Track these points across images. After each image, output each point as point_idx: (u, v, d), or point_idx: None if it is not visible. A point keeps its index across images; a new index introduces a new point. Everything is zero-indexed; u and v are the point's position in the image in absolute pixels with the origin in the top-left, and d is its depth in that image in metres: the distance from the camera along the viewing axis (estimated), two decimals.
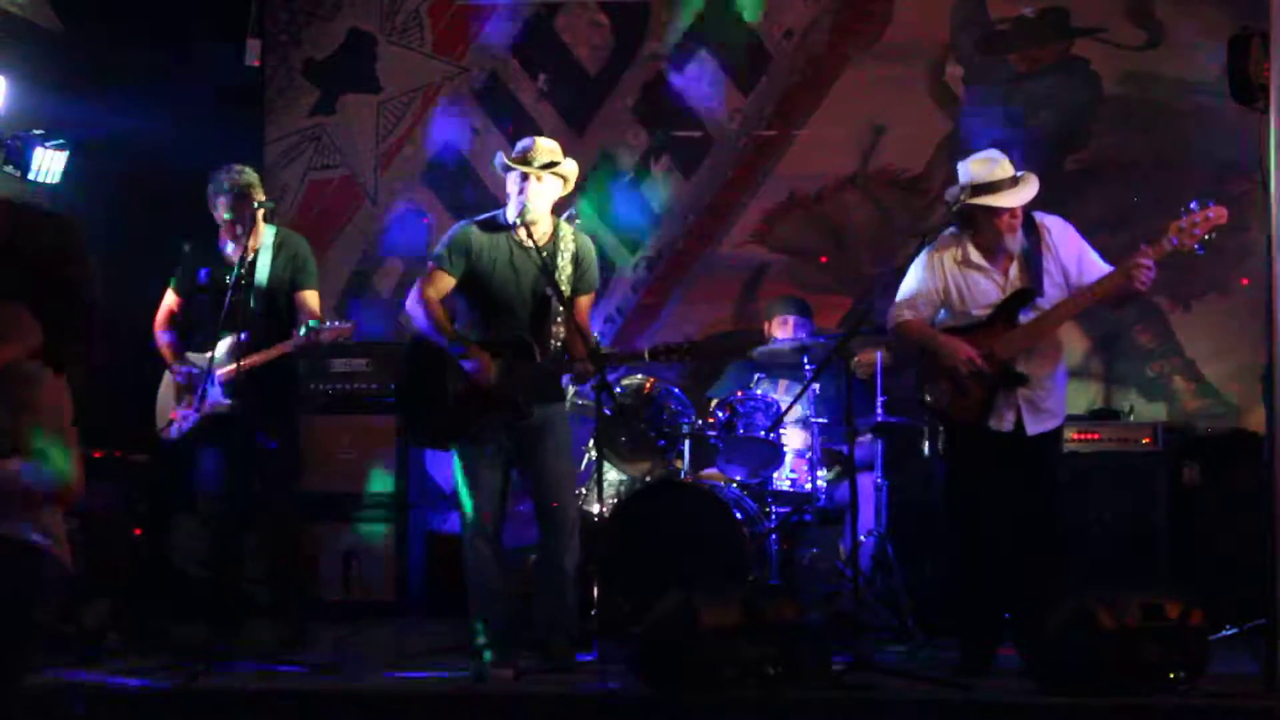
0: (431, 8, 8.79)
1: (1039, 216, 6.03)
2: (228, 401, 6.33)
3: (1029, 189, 5.94)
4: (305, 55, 8.83)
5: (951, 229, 6.05)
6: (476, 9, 8.77)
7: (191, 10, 7.99)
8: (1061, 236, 6.03)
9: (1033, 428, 5.94)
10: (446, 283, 6.12)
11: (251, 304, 6.40)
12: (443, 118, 8.73)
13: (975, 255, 6.00)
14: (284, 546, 6.66)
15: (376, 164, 8.80)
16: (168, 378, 6.58)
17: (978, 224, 5.94)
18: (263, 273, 6.48)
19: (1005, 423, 5.94)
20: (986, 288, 5.99)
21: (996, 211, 5.89)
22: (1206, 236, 5.78)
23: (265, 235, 6.57)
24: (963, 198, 5.91)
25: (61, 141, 6.71)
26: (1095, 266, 5.99)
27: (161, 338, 6.59)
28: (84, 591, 6.39)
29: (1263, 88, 5.55)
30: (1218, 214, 5.77)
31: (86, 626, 6.39)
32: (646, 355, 6.03)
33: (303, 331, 6.38)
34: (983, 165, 5.93)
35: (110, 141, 7.21)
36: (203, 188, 6.57)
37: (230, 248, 6.56)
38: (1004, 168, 5.93)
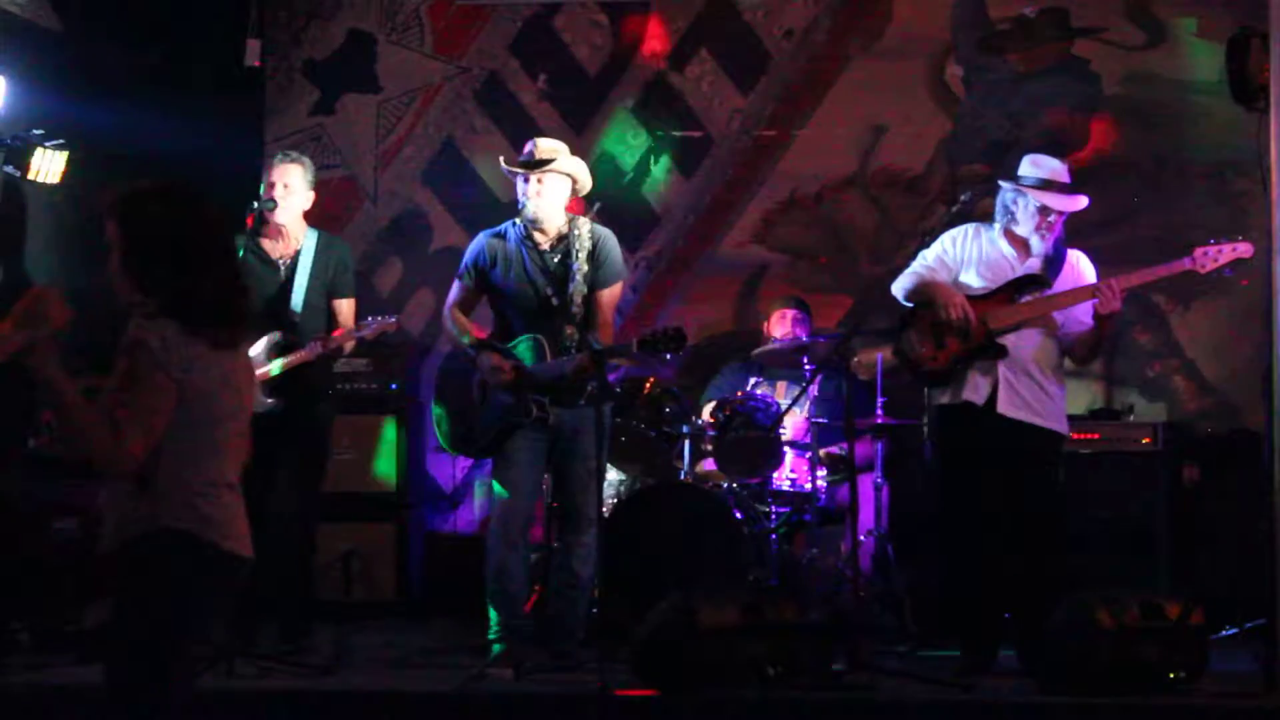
0: (431, 8, 8.79)
1: (1068, 250, 6.11)
2: (270, 401, 6.31)
3: (1079, 202, 6.04)
4: (305, 55, 8.82)
5: (986, 225, 6.13)
6: (476, 9, 8.76)
7: (191, 10, 7.98)
8: (1087, 268, 6.12)
9: (1005, 407, 5.94)
10: (469, 296, 6.25)
11: (291, 307, 6.42)
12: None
13: (1003, 240, 6.08)
14: (301, 547, 6.64)
15: (376, 164, 8.80)
16: None
17: (1017, 216, 6.02)
18: (302, 277, 6.47)
19: (979, 394, 5.97)
20: (1003, 267, 6.06)
21: (1042, 209, 5.96)
22: (1226, 268, 5.81)
23: (307, 238, 6.54)
24: (1016, 184, 6.00)
25: (61, 141, 6.70)
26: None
27: None
28: (84, 591, 6.40)
29: (1263, 88, 5.56)
30: (1244, 249, 5.81)
31: (87, 626, 6.39)
32: (635, 347, 6.00)
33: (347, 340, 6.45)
34: (1048, 163, 6.04)
35: (110, 141, 7.21)
36: (202, 187, 6.53)
37: (270, 245, 6.53)
38: (1065, 174, 6.04)
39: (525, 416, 6.01)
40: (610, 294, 6.20)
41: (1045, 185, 5.98)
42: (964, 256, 6.10)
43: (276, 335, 6.35)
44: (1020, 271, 6.04)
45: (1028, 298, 6.01)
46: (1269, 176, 5.59)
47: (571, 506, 6.14)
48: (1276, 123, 5.55)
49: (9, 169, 6.66)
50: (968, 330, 5.95)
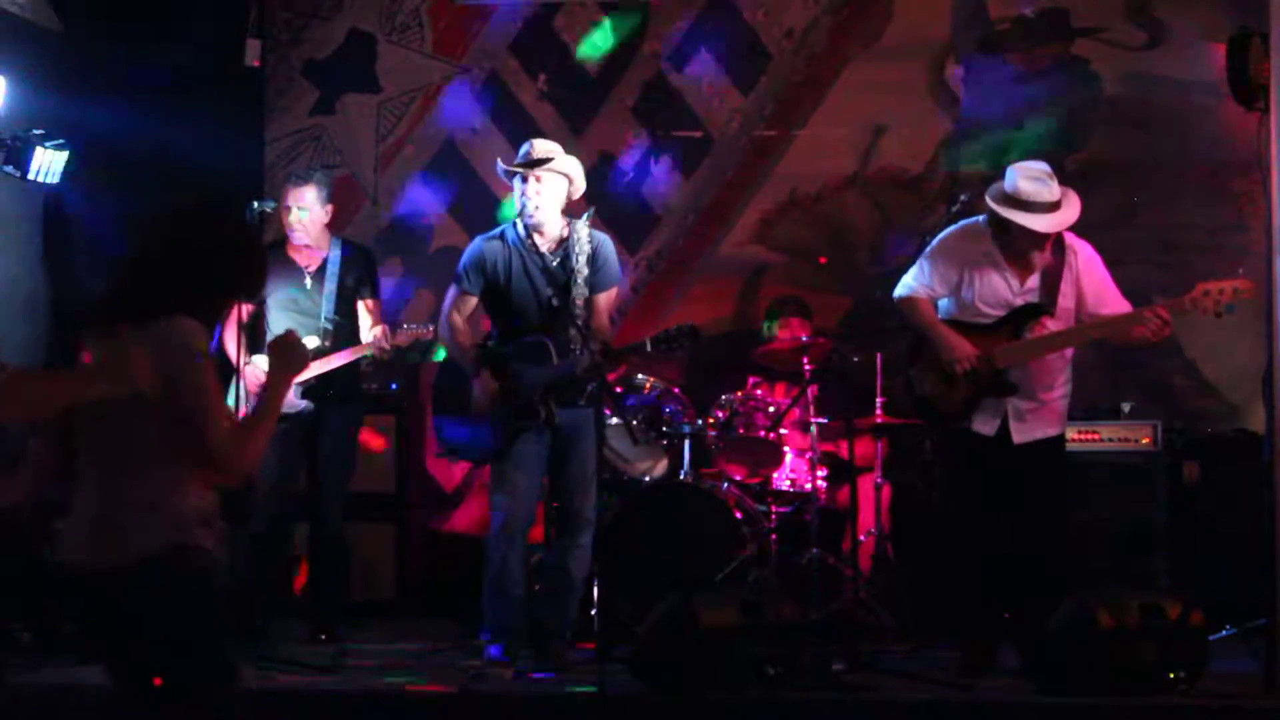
0: (431, 8, 8.79)
1: (1070, 238, 5.99)
2: (302, 404, 6.59)
3: (1066, 215, 5.88)
4: (305, 55, 8.82)
5: (983, 219, 6.02)
6: (476, 9, 8.76)
7: (191, 10, 7.98)
8: (1088, 264, 6.00)
9: (1019, 436, 5.93)
10: (469, 302, 6.26)
11: (322, 312, 6.69)
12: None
13: (998, 254, 5.96)
14: (332, 545, 6.87)
15: (376, 164, 8.80)
16: (238, 380, 6.57)
17: (1008, 230, 5.89)
18: (331, 283, 6.74)
19: (989, 427, 5.93)
20: (1000, 287, 5.96)
21: (1028, 229, 5.85)
22: (1227, 304, 5.74)
23: (331, 248, 6.82)
24: (998, 207, 5.87)
25: (61, 141, 6.71)
26: (1114, 301, 5.97)
27: (229, 341, 6.58)
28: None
29: (1263, 88, 5.56)
30: (1244, 285, 5.73)
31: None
32: (648, 346, 6.01)
33: (368, 338, 6.71)
34: (1030, 181, 5.84)
35: (110, 141, 7.20)
36: (202, 187, 6.60)
37: (297, 257, 6.83)
38: (1050, 190, 5.84)
39: (536, 419, 6.02)
40: (607, 298, 6.22)
41: (1026, 206, 5.82)
42: (961, 273, 5.97)
43: (314, 340, 6.58)
44: (1019, 299, 5.95)
45: (1033, 330, 5.92)
46: (1269, 176, 5.58)
47: (569, 508, 6.15)
48: (1276, 123, 5.54)
49: (9, 169, 6.67)
50: (975, 371, 5.91)
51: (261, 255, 3.80)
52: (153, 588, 3.41)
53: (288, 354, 3.67)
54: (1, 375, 3.39)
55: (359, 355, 6.71)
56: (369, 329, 6.74)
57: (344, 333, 6.73)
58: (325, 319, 6.67)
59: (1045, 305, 5.93)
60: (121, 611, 3.43)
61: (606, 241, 6.26)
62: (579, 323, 6.05)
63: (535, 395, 6.02)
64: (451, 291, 6.28)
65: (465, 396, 6.15)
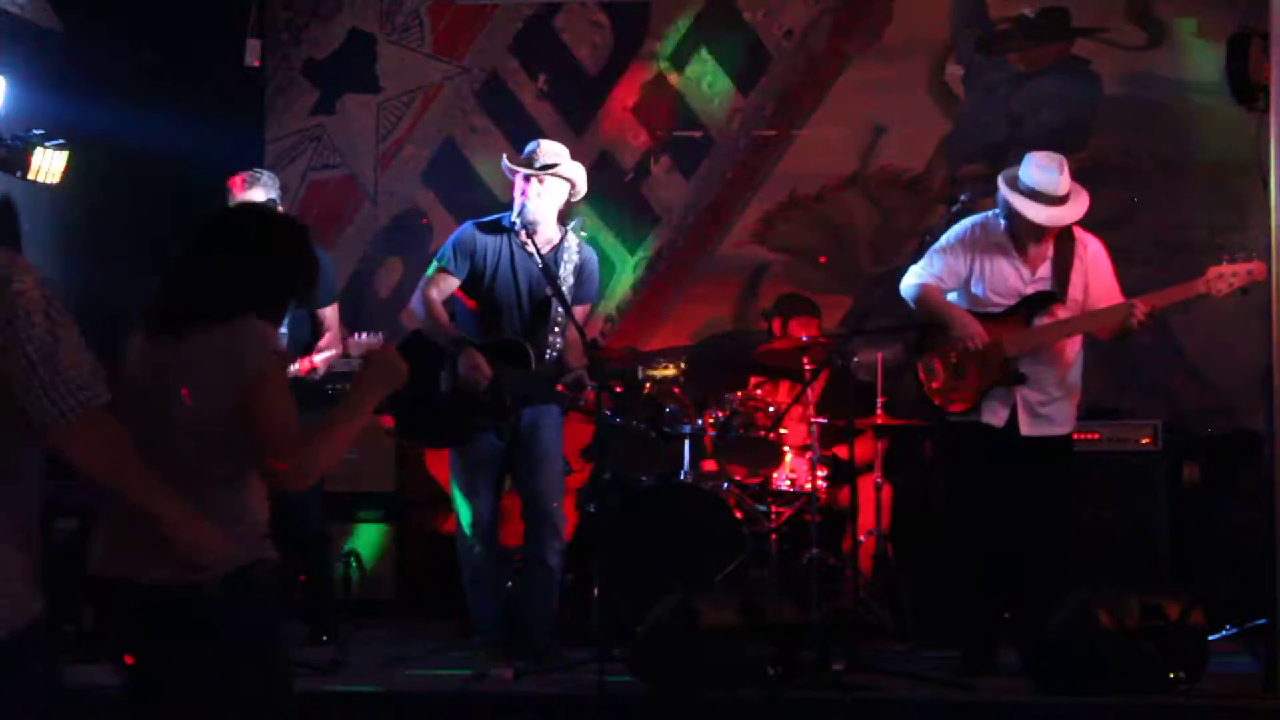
0: (431, 8, 8.80)
1: (1080, 232, 6.01)
2: None
3: (1069, 211, 5.89)
4: (305, 55, 8.83)
5: (995, 212, 6.03)
6: (476, 9, 8.77)
7: (191, 10, 7.98)
8: (1096, 258, 6.02)
9: (1028, 429, 5.93)
10: (449, 283, 6.15)
11: None
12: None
13: (1009, 243, 5.99)
14: (316, 547, 6.81)
15: (376, 164, 8.80)
16: None
17: (1016, 219, 5.92)
18: None
19: (998, 418, 5.94)
20: (1010, 276, 5.98)
21: (1025, 217, 5.86)
22: (1241, 288, 5.74)
23: None
24: (1005, 189, 5.90)
25: (61, 141, 6.70)
26: (1114, 298, 5.99)
27: None
28: (84, 592, 6.40)
29: (1263, 88, 5.55)
30: (1257, 269, 5.73)
31: (86, 626, 6.39)
32: (640, 372, 6.04)
33: (319, 357, 6.49)
34: (1039, 171, 5.86)
35: (110, 141, 7.20)
36: (202, 187, 6.58)
37: None
38: (1057, 183, 5.86)
39: (503, 420, 6.00)
40: (581, 312, 6.20)
41: (1035, 196, 5.84)
42: (971, 266, 6.00)
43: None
44: (1030, 287, 5.97)
45: (1044, 319, 5.94)
46: (1269, 176, 5.58)
47: (545, 510, 6.12)
48: (1276, 123, 5.54)
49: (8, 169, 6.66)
50: (986, 358, 5.91)
51: (316, 256, 3.65)
52: (234, 604, 3.30)
53: (384, 370, 3.56)
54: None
55: (306, 369, 6.41)
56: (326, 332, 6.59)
57: (299, 338, 6.48)
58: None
59: (1056, 293, 5.94)
60: (196, 629, 3.29)
61: (593, 257, 6.27)
62: (556, 328, 6.05)
63: (507, 396, 6.00)
64: (433, 271, 6.18)
65: (433, 375, 6.04)
